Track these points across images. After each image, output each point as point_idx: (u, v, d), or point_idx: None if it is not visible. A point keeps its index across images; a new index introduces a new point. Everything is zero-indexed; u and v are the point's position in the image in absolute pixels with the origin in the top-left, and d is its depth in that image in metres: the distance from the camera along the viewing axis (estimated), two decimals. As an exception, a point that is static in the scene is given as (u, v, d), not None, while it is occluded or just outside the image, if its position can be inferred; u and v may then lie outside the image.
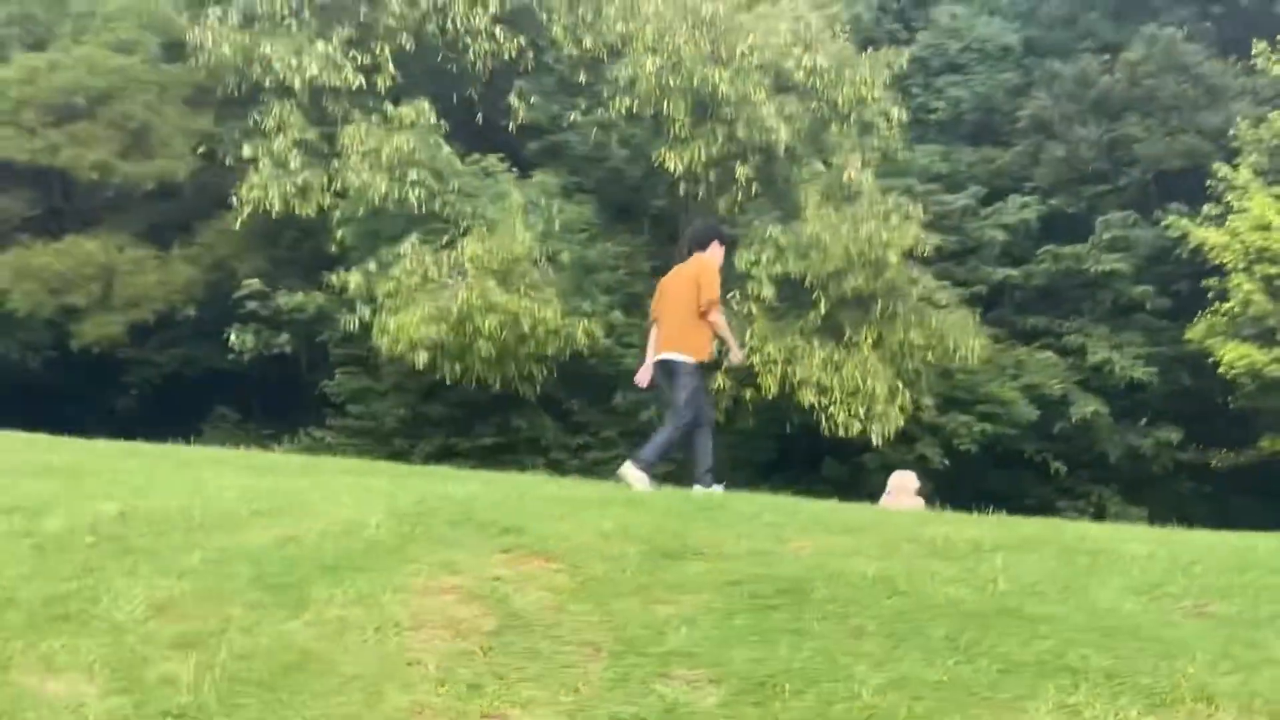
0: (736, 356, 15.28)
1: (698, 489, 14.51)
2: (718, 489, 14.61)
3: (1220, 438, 37.88)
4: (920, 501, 16.37)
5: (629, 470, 14.06)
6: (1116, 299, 37.61)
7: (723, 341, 14.93)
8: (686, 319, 14.77)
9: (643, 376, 14.84)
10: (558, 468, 30.78)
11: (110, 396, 37.25)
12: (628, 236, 33.90)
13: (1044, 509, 36.56)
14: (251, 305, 31.62)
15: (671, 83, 29.84)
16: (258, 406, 36.07)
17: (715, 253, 15.31)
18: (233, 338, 31.91)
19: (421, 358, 27.38)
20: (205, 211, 34.01)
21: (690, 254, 15.40)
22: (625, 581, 6.74)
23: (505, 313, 27.14)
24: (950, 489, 37.49)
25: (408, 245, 28.23)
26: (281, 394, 36.25)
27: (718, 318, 14.77)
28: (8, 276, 31.61)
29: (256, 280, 31.75)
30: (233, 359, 32.39)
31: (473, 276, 27.26)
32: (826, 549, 7.75)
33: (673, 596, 6.53)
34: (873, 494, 33.96)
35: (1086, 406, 35.35)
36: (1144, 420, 37.86)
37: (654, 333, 15.17)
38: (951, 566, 7.39)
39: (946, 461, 33.86)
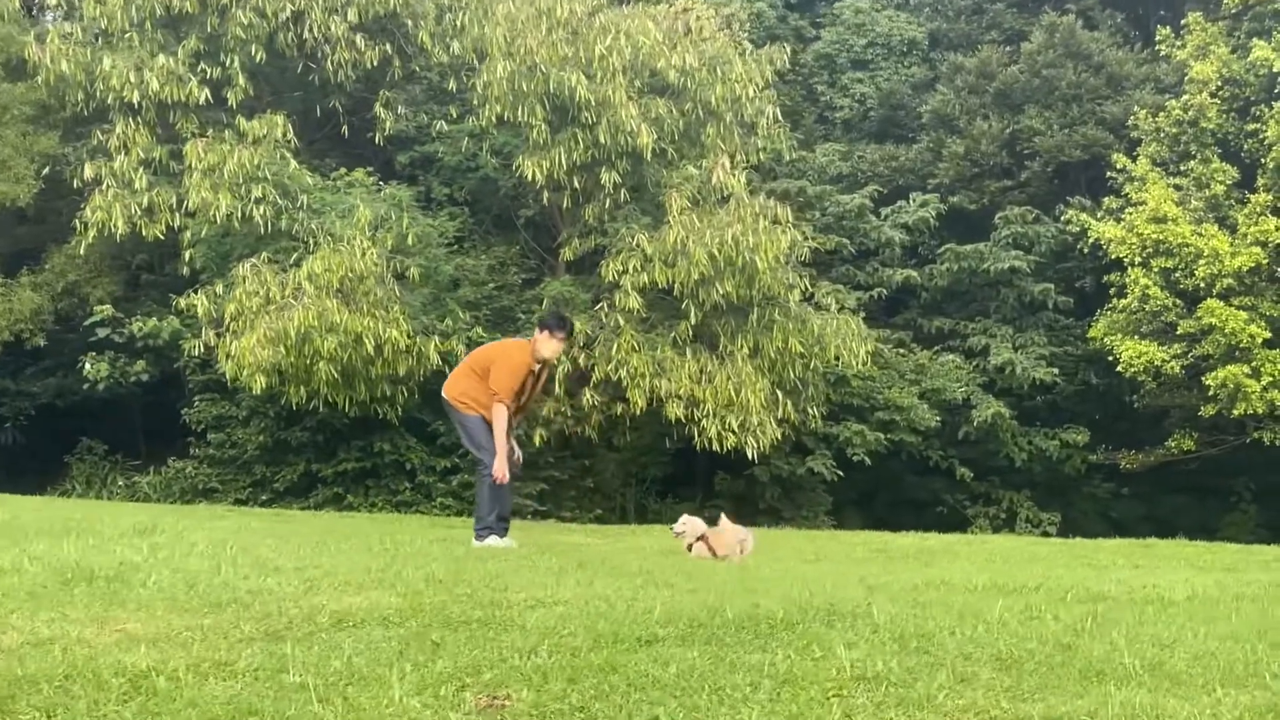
0: (499, 470, 14.13)
1: (473, 543, 13.98)
2: (495, 541, 13.94)
3: (1133, 438, 37.17)
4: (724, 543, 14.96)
5: (477, 544, 13.72)
6: (1019, 297, 36.86)
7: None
8: (477, 382, 14.33)
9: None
10: (424, 491, 30.04)
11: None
12: (504, 248, 33.09)
13: (955, 517, 36.10)
14: (104, 332, 30.76)
15: (525, 88, 29.03)
16: (126, 437, 35.23)
17: (546, 343, 14.60)
18: (86, 367, 31.08)
19: (260, 382, 26.51)
20: (54, 236, 33.21)
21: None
22: None
23: (347, 333, 26.27)
24: (870, 498, 37.03)
25: (247, 266, 27.34)
26: (150, 423, 35.44)
27: (499, 411, 14.12)
28: None
29: (108, 307, 30.89)
30: (98, 388, 31.45)
31: (310, 296, 26.39)
32: (154, 634, 6.69)
33: None
34: (769, 509, 33.63)
35: (988, 410, 34.57)
36: (1050, 422, 37.18)
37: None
38: (270, 651, 6.29)
39: (840, 473, 33.11)
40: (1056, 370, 35.60)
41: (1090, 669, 6.33)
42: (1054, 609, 8.65)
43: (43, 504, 19.11)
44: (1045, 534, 34.65)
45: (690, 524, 14.89)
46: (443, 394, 14.72)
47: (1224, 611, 9.36)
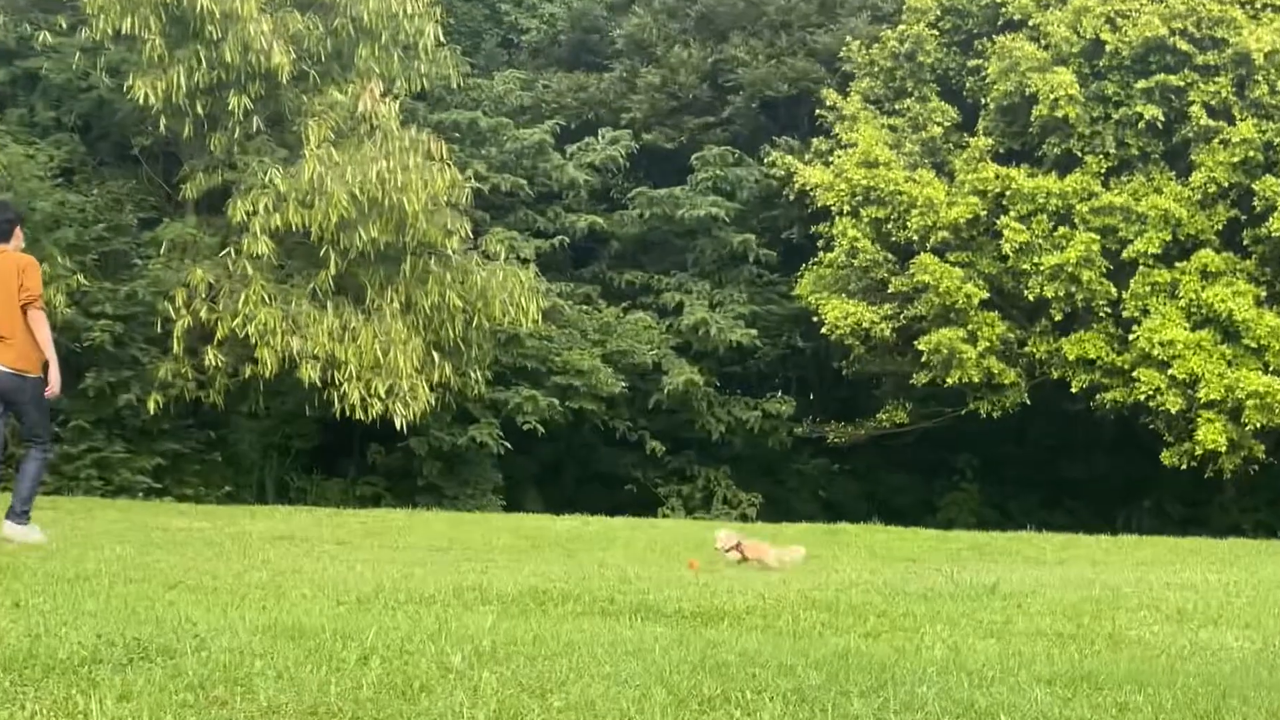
0: (54, 385, 12.83)
1: (11, 528, 12.80)
2: (37, 535, 12.91)
3: (847, 408, 35.48)
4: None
5: (14, 531, 12.77)
6: (718, 249, 34.71)
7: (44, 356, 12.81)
8: (17, 325, 12.68)
9: None
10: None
11: None
12: (121, 183, 29.99)
13: (647, 495, 33.93)
14: None
15: (135, -6, 26.08)
16: None
17: (20, 240, 13.14)
18: None
19: None
20: None
21: None
22: None
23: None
24: (555, 474, 34.73)
25: None
26: None
27: (43, 321, 12.77)
28: None
29: None
30: None
31: None
32: None
33: None
34: (429, 486, 31.14)
35: (680, 375, 32.42)
36: (754, 391, 35.30)
37: None
38: None
39: (507, 444, 30.75)
40: (756, 332, 33.59)
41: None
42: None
43: None
44: (744, 516, 32.79)
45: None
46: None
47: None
